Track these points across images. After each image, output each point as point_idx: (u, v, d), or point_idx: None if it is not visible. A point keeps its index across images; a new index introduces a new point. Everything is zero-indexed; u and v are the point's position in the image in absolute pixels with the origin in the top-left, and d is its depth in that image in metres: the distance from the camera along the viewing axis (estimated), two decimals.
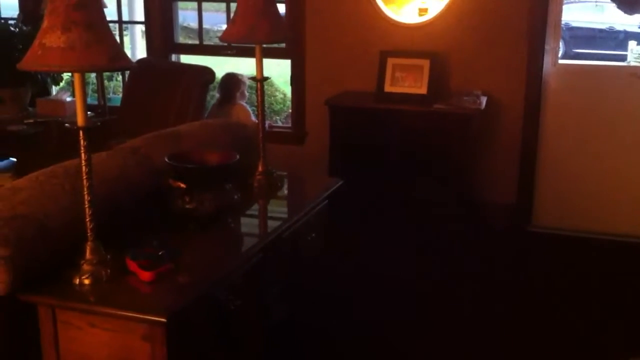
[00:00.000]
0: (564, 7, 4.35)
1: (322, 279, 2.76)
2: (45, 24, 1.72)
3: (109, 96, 5.77)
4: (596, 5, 9.70)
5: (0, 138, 4.21)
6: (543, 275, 3.86)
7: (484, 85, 4.25)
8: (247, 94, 4.96)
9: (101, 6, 1.77)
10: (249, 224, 2.52)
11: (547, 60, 4.25)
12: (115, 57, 1.72)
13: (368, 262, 3.88)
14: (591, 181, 4.34)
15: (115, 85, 6.90)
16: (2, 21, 5.12)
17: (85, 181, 1.82)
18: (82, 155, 1.81)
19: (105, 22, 1.77)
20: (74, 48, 1.67)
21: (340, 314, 3.16)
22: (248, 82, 4.89)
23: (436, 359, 3.03)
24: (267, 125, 3.92)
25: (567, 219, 4.37)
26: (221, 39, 2.58)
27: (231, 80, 4.80)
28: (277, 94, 7.35)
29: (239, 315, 2.02)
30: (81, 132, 1.80)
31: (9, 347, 1.78)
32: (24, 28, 4.62)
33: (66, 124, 1.86)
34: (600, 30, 9.57)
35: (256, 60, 2.60)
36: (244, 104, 4.85)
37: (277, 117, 7.12)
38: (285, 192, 2.77)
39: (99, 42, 1.70)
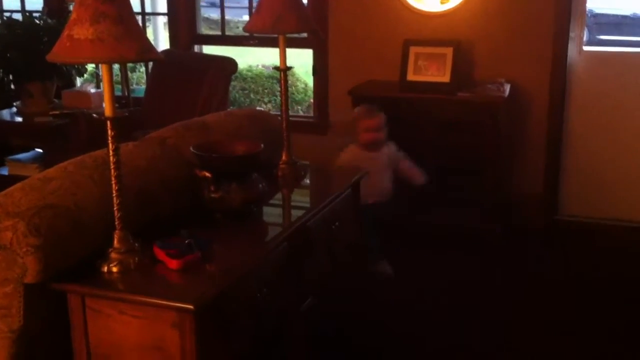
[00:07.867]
0: None
1: (350, 271, 2.77)
2: (73, 16, 1.74)
3: (132, 87, 5.80)
4: None
5: (28, 130, 4.27)
6: (572, 265, 3.84)
7: (509, 73, 4.20)
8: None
9: None
10: (274, 214, 2.54)
11: (572, 48, 4.20)
12: (144, 49, 1.74)
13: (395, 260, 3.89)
14: (618, 169, 4.30)
15: (139, 76, 6.93)
16: (27, 14, 5.15)
17: (113, 171, 1.85)
18: (110, 145, 1.84)
19: (132, 15, 1.79)
20: (103, 40, 1.69)
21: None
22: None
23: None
24: None
25: (595, 207, 4.33)
26: (245, 29, 2.58)
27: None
28: (298, 84, 7.34)
29: (268, 304, 2.04)
30: (109, 123, 1.82)
31: (40, 335, 1.82)
32: (49, 21, 4.65)
33: (94, 115, 1.89)
34: (624, 17, 9.43)
35: (280, 50, 2.60)
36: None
37: (299, 107, 7.13)
38: (309, 181, 2.78)
39: (127, 34, 1.71)
